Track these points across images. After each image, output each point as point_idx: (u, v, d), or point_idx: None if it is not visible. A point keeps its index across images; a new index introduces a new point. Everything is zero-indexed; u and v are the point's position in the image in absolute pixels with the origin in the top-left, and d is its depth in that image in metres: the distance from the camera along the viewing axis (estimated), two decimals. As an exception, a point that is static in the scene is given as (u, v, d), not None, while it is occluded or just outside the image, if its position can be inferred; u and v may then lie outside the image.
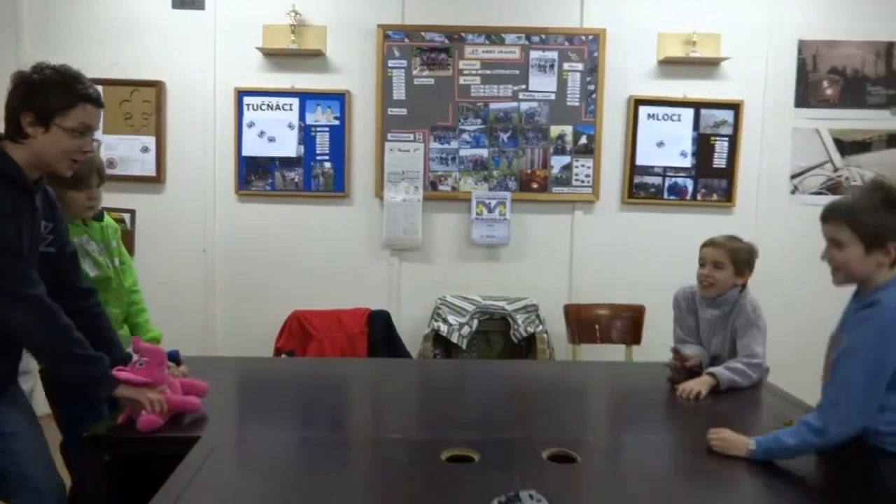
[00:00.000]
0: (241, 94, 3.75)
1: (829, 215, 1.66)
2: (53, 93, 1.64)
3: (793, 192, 3.90)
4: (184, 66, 3.76)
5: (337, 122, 3.79)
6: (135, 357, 1.85)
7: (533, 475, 1.57)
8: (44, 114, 1.64)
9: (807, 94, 3.86)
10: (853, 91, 3.85)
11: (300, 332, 3.35)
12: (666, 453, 1.78)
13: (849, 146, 3.89)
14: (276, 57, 3.76)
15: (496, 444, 1.74)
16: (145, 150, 3.79)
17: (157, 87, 3.76)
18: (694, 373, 2.32)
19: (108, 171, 3.76)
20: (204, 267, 3.79)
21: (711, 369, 2.29)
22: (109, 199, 3.80)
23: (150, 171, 3.78)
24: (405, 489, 1.54)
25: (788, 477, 1.61)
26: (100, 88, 3.56)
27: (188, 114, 3.78)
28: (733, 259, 2.40)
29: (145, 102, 3.76)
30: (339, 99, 3.77)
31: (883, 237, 1.58)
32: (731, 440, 1.69)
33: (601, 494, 1.59)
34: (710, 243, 2.46)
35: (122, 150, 3.79)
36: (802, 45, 3.82)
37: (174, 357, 2.06)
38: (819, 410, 1.60)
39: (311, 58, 3.75)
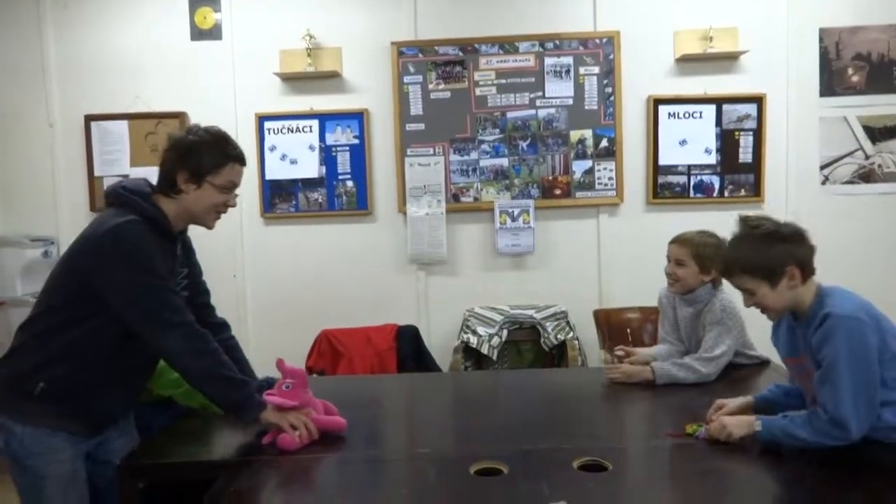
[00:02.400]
0: (261, 119, 3.82)
1: (725, 270, 1.76)
2: (206, 153, 1.80)
3: (823, 183, 3.81)
4: (205, 96, 3.84)
5: (357, 141, 3.83)
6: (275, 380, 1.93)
7: (563, 485, 1.55)
8: (197, 172, 1.79)
9: (832, 83, 3.78)
10: (880, 76, 3.76)
11: (330, 351, 3.36)
12: (699, 458, 1.73)
13: (879, 132, 3.79)
14: (293, 81, 3.81)
15: (526, 456, 1.72)
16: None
17: (180, 118, 3.84)
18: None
19: (138, 203, 3.88)
20: (235, 292, 3.84)
21: (654, 364, 2.31)
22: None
23: (178, 200, 3.85)
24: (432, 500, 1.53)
25: (821, 480, 1.56)
26: (125, 123, 3.80)
27: (211, 142, 3.85)
28: (696, 256, 2.38)
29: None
30: (358, 118, 3.81)
31: (777, 267, 1.63)
32: (733, 423, 1.70)
33: (629, 501, 1.56)
34: (674, 240, 2.45)
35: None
36: (823, 34, 3.74)
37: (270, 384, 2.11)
38: (829, 417, 1.57)
39: (328, 79, 3.79)
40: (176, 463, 1.76)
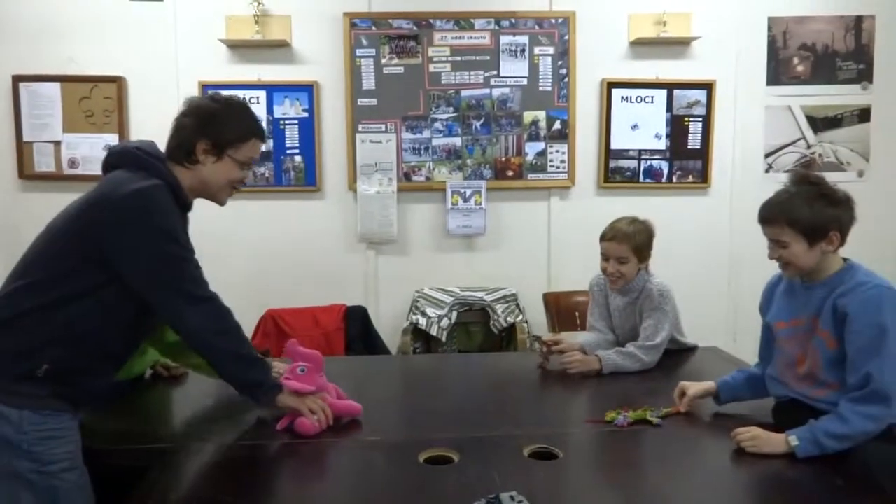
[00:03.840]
0: (205, 87, 3.64)
1: (767, 217, 1.70)
2: (230, 124, 1.69)
3: (767, 171, 3.90)
4: (145, 61, 3.65)
5: (306, 115, 3.71)
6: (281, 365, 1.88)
7: (514, 474, 1.53)
8: (219, 143, 1.68)
9: (778, 72, 3.85)
10: (824, 67, 3.85)
11: (275, 332, 3.28)
12: (649, 445, 1.75)
13: (821, 122, 3.89)
14: (240, 49, 3.66)
15: (476, 443, 1.70)
16: (108, 148, 3.65)
17: (117, 82, 3.65)
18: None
19: (70, 171, 3.68)
20: (175, 267, 3.69)
21: (599, 352, 2.30)
22: (71, 199, 3.70)
23: (115, 170, 3.67)
24: (381, 494, 1.50)
25: (777, 465, 1.59)
26: (57, 85, 3.58)
27: (151, 110, 3.66)
28: (635, 249, 2.37)
29: (106, 99, 3.65)
30: (308, 90, 3.69)
31: (822, 228, 1.62)
32: (763, 437, 1.63)
33: (583, 491, 1.56)
34: (611, 237, 2.39)
35: (84, 149, 3.67)
36: (772, 22, 3.80)
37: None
38: (871, 389, 1.56)
39: (277, 49, 3.65)
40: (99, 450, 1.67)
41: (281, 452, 1.70)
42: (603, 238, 2.42)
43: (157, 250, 1.57)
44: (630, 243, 2.36)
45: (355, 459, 1.68)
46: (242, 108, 1.75)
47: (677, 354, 2.48)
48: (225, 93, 1.83)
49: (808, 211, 1.62)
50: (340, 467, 1.67)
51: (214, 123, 1.68)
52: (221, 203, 1.78)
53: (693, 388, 1.89)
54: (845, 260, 1.71)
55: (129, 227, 1.54)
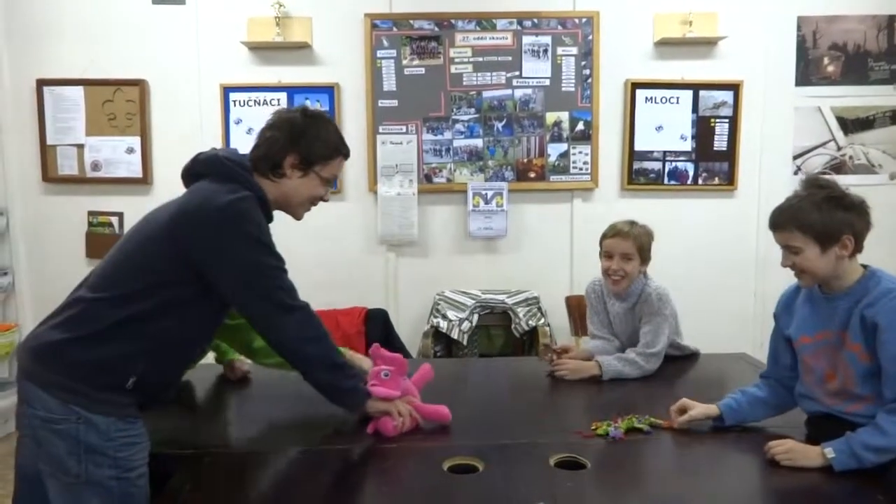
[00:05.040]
0: (227, 90, 3.65)
1: (777, 223, 1.66)
2: (320, 141, 1.69)
3: (796, 173, 3.82)
4: (167, 64, 3.66)
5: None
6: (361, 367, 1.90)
7: (540, 484, 1.49)
8: (308, 159, 1.68)
9: (808, 72, 3.76)
10: (855, 67, 3.76)
11: (296, 334, 3.25)
12: (677, 454, 1.70)
13: (852, 124, 3.80)
14: (261, 51, 3.65)
15: (500, 451, 1.66)
16: (130, 151, 3.69)
17: (139, 85, 3.66)
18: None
19: (93, 174, 3.70)
20: (196, 269, 3.70)
21: (599, 358, 2.24)
22: (96, 202, 3.73)
23: (137, 172, 3.69)
24: (404, 500, 1.46)
25: (812, 478, 1.53)
26: (80, 89, 3.60)
27: (173, 112, 3.68)
28: (639, 248, 2.31)
29: (128, 102, 3.66)
30: (328, 92, 3.67)
31: (834, 232, 1.57)
32: (799, 450, 1.57)
33: (611, 502, 1.51)
34: (616, 233, 2.34)
35: (106, 151, 3.69)
36: (801, 22, 3.72)
37: None
38: None
39: (298, 50, 3.64)
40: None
41: (298, 460, 1.67)
42: (606, 236, 2.37)
43: (251, 260, 1.57)
44: (634, 241, 2.31)
45: (377, 466, 1.64)
46: (331, 125, 1.75)
47: (708, 360, 2.42)
48: (308, 106, 1.84)
49: (817, 214, 1.58)
50: (361, 474, 1.63)
51: (305, 139, 1.67)
52: (298, 218, 1.78)
53: (697, 410, 1.79)
54: (865, 267, 1.65)
55: (224, 237, 1.54)
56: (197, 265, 1.54)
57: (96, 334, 1.50)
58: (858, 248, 1.61)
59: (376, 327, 3.31)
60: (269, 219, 1.69)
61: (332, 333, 1.74)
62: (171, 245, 1.54)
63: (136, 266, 1.54)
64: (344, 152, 1.75)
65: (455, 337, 3.46)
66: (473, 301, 3.54)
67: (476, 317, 3.53)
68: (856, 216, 1.59)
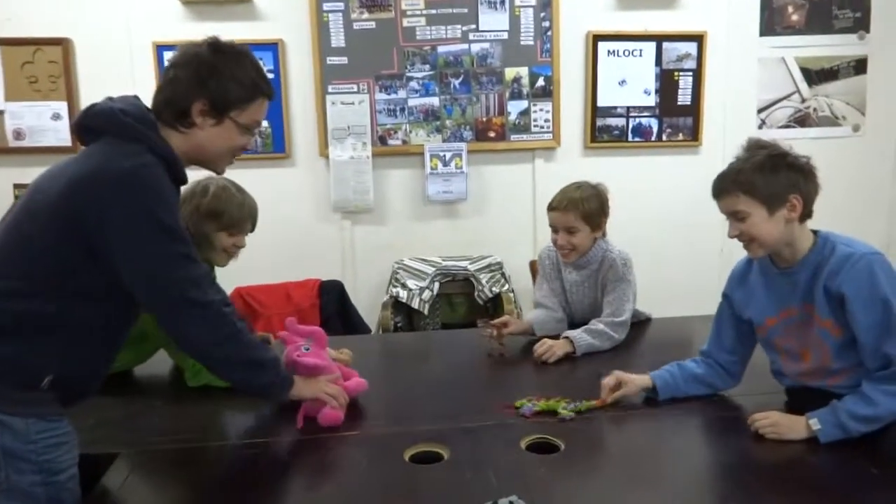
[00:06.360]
0: (160, 48, 3.36)
1: (720, 189, 1.55)
2: (235, 82, 1.42)
3: (760, 127, 3.73)
4: (93, 21, 3.35)
5: (271, 76, 3.41)
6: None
7: (511, 472, 1.36)
8: (220, 104, 1.41)
9: (772, 21, 3.65)
10: (819, 15, 3.65)
11: (245, 311, 3.05)
12: (659, 431, 1.59)
13: (816, 75, 3.70)
14: (197, 5, 3.36)
15: (466, 435, 1.53)
16: (56, 117, 3.39)
17: (63, 45, 3.34)
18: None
19: (17, 143, 3.40)
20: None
21: (568, 333, 2.11)
22: (20, 174, 3.43)
23: (65, 140, 3.39)
24: (361, 501, 1.32)
25: (799, 451, 1.44)
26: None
27: (102, 74, 3.37)
28: (585, 217, 2.18)
29: (51, 63, 3.35)
30: (272, 49, 3.42)
31: (781, 192, 1.49)
32: (784, 423, 1.49)
33: (592, 490, 1.38)
34: (554, 207, 2.22)
35: (29, 118, 3.38)
36: (766, -32, 3.59)
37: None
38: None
39: (237, 4, 3.37)
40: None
41: (242, 453, 1.52)
42: (549, 208, 2.24)
43: (154, 248, 1.33)
44: (578, 211, 2.17)
45: (332, 458, 1.50)
46: (247, 59, 1.46)
47: (671, 324, 2.33)
48: (220, 38, 1.47)
49: (761, 175, 1.49)
50: (314, 468, 1.48)
51: (215, 80, 1.40)
52: (219, 172, 1.55)
53: (631, 384, 1.69)
54: (815, 232, 1.55)
55: (120, 215, 1.29)
56: (94, 250, 1.31)
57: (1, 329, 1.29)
58: (807, 211, 1.52)
59: (332, 300, 3.13)
60: (182, 180, 1.45)
61: (248, 319, 1.57)
62: (65, 226, 1.30)
63: (31, 252, 1.30)
64: (265, 92, 1.48)
65: (416, 307, 3.32)
66: (434, 269, 3.39)
67: (437, 285, 3.38)
68: (802, 176, 1.50)
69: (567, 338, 2.09)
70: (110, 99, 1.41)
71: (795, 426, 1.47)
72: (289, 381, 1.59)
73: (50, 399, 1.33)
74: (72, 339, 1.33)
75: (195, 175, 2.04)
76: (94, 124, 1.38)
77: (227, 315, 1.44)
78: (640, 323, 2.35)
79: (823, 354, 1.53)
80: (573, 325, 2.24)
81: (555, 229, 2.23)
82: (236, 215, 1.99)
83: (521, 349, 2.16)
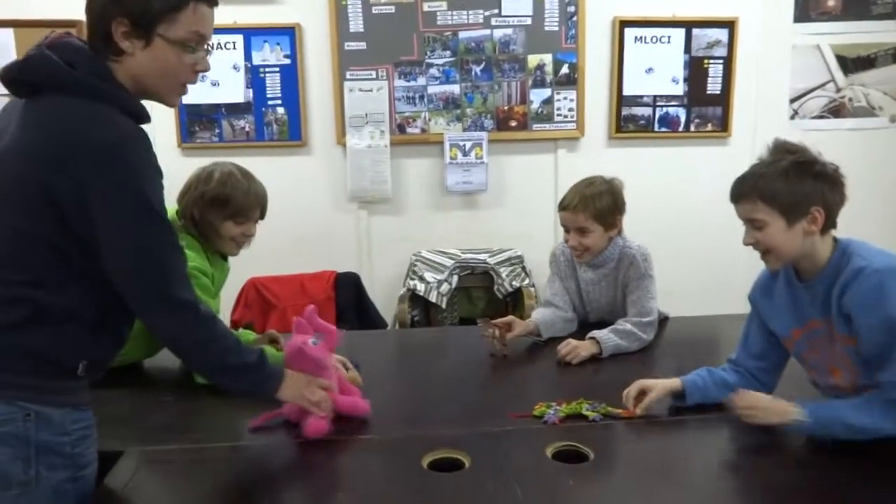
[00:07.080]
0: (175, 33, 3.29)
1: (739, 193, 1.45)
2: None
3: (792, 118, 3.59)
4: (106, 4, 3.28)
5: (288, 61, 3.36)
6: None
7: (538, 483, 1.27)
8: (143, 20, 1.19)
9: (807, 7, 3.51)
10: (856, 1, 3.50)
11: (259, 302, 2.99)
12: (695, 438, 1.49)
13: (852, 63, 3.56)
14: (212, -12, 3.28)
15: (489, 441, 1.44)
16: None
17: (76, 28, 3.27)
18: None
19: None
20: (149, 232, 3.40)
21: (594, 333, 2.00)
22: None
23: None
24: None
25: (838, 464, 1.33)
26: (10, 31, 3.21)
27: (116, 59, 3.32)
28: (597, 217, 2.06)
29: (65, 48, 3.29)
30: (289, 34, 3.33)
31: (802, 203, 1.38)
32: (768, 408, 1.41)
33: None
34: (565, 206, 2.10)
35: (42, 104, 3.33)
36: (802, -49, 3.44)
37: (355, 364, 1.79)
38: None
39: (254, -13, 3.29)
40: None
41: (256, 455, 1.44)
42: (559, 206, 2.13)
43: (140, 233, 1.20)
44: (588, 211, 2.06)
45: (346, 463, 1.42)
46: None
47: (697, 323, 2.25)
48: None
49: (783, 183, 1.37)
50: (327, 473, 1.40)
51: None
52: (171, 104, 1.32)
53: (657, 389, 1.58)
54: (836, 240, 1.44)
55: (107, 202, 1.16)
56: (82, 236, 1.18)
57: (28, 319, 1.18)
58: (830, 223, 1.40)
59: (347, 292, 3.05)
60: (144, 118, 1.24)
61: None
62: (45, 208, 1.15)
63: (28, 240, 1.18)
64: None
65: (433, 300, 3.24)
66: (452, 261, 3.31)
67: (455, 278, 3.30)
68: (827, 186, 1.39)
69: (593, 338, 1.99)
70: (41, 47, 1.21)
71: (779, 411, 1.39)
72: (274, 376, 1.44)
73: (83, 386, 1.26)
74: (96, 321, 1.24)
75: (200, 161, 1.97)
76: (34, 78, 1.19)
77: (205, 319, 1.31)
78: (659, 322, 2.24)
79: (851, 372, 1.43)
80: (588, 325, 2.15)
81: (566, 229, 2.14)
82: (243, 202, 1.88)
83: (539, 349, 2.06)
